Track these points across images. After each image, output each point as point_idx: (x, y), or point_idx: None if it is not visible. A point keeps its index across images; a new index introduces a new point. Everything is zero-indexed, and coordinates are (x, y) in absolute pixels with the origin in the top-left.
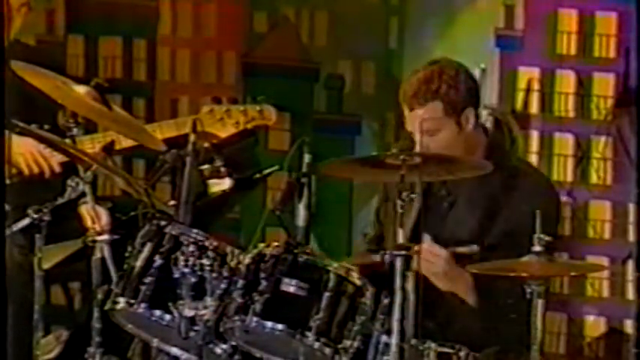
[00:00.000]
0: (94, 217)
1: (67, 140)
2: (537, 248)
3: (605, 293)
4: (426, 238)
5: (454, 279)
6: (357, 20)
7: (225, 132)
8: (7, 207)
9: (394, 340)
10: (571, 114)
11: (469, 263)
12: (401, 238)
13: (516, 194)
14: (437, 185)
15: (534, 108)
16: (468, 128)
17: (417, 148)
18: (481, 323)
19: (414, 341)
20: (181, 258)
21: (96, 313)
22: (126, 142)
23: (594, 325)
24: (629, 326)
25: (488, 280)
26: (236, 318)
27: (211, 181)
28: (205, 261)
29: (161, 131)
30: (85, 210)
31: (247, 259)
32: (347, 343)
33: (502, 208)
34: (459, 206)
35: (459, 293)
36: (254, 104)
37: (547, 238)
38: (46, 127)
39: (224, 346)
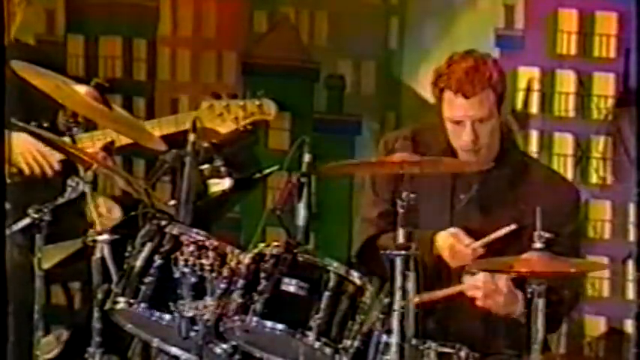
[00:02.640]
0: (105, 210)
1: (67, 139)
2: (538, 245)
3: (605, 293)
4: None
5: (512, 304)
6: (357, 20)
7: (224, 127)
8: (7, 205)
9: (394, 339)
10: (571, 114)
11: None
12: (401, 238)
13: (534, 187)
14: (447, 177)
15: (534, 108)
16: (502, 121)
17: (466, 135)
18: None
19: (414, 341)
20: (181, 258)
21: (96, 313)
22: (125, 140)
23: (594, 325)
24: (629, 326)
25: None
26: (236, 318)
27: (211, 181)
28: (205, 261)
29: (160, 128)
30: (98, 202)
31: (247, 259)
32: (347, 342)
33: (521, 201)
34: (477, 205)
35: (515, 315)
36: (253, 99)
37: (547, 235)
38: (45, 124)
39: (224, 346)
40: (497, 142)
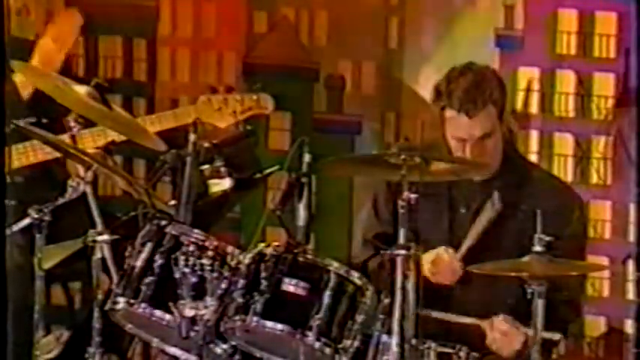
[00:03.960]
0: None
1: (67, 139)
2: (538, 248)
3: (605, 293)
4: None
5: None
6: (357, 20)
7: (222, 122)
8: (10, 202)
9: (394, 339)
10: (571, 114)
11: None
12: (402, 238)
13: (536, 195)
14: (444, 188)
15: (534, 108)
16: (504, 129)
17: (469, 152)
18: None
19: (414, 341)
20: (181, 258)
21: (96, 313)
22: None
23: (594, 325)
24: (629, 326)
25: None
26: (236, 318)
27: (211, 181)
28: (205, 261)
29: (160, 123)
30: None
31: (247, 259)
32: (347, 342)
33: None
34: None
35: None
36: (250, 93)
37: (547, 238)
38: (44, 120)
39: (224, 346)
40: (501, 151)
